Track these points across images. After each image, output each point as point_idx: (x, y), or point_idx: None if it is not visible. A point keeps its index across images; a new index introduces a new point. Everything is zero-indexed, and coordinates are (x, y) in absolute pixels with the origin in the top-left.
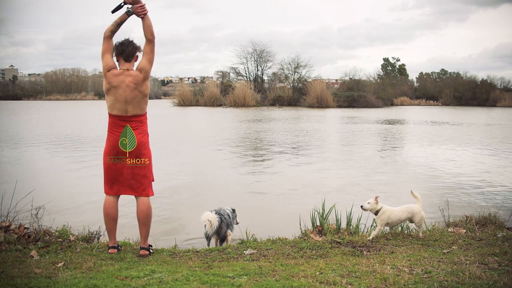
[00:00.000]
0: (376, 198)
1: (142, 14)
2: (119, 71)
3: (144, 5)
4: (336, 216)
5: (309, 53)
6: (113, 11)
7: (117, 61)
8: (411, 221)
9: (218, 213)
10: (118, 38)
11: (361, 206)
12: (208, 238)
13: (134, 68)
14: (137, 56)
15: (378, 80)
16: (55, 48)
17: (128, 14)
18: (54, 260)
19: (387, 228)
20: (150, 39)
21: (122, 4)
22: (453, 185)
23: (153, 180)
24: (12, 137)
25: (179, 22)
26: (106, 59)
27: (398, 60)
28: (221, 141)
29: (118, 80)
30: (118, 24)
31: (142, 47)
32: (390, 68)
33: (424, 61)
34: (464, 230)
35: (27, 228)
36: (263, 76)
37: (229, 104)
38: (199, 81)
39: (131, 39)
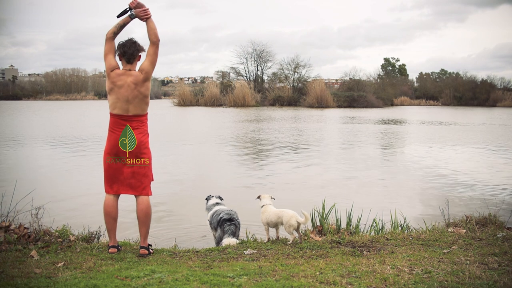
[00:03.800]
0: (258, 196)
1: (145, 17)
2: (121, 71)
3: (148, 9)
4: (336, 216)
5: (309, 53)
6: (118, 16)
7: (119, 60)
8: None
9: (231, 216)
10: (120, 38)
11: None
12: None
13: (137, 69)
14: (140, 56)
15: (378, 80)
16: (56, 48)
17: (131, 17)
18: (54, 260)
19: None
20: (154, 41)
21: (128, 9)
22: (453, 185)
23: (152, 180)
24: (12, 137)
25: (179, 22)
26: (109, 59)
27: (397, 60)
28: (221, 141)
29: (121, 80)
30: (121, 27)
31: (145, 48)
32: (390, 68)
33: (423, 61)
34: (464, 230)
35: (27, 228)
36: (263, 76)
37: (229, 104)
38: (199, 81)
39: (134, 40)
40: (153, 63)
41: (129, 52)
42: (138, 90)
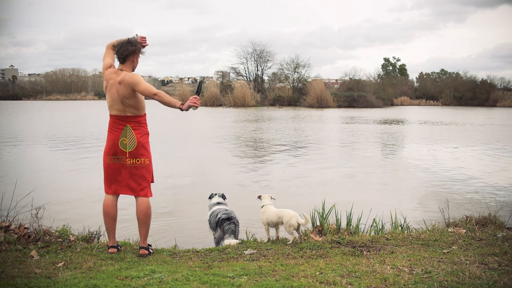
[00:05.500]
0: (259, 196)
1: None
2: (114, 69)
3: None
4: (336, 216)
5: (309, 53)
6: (200, 84)
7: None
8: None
9: (229, 215)
10: (122, 36)
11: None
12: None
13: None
14: (135, 58)
15: (378, 80)
16: (56, 48)
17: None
18: (54, 260)
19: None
20: (153, 96)
21: (199, 88)
22: (453, 185)
23: (152, 182)
24: (12, 137)
25: (179, 22)
26: (106, 60)
27: (398, 60)
28: (221, 140)
29: (112, 78)
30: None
31: (142, 50)
32: (391, 68)
33: (423, 61)
34: (464, 230)
35: (27, 228)
36: (263, 76)
37: (229, 104)
38: (199, 81)
39: (129, 40)
40: (145, 90)
41: (119, 51)
42: (122, 90)
